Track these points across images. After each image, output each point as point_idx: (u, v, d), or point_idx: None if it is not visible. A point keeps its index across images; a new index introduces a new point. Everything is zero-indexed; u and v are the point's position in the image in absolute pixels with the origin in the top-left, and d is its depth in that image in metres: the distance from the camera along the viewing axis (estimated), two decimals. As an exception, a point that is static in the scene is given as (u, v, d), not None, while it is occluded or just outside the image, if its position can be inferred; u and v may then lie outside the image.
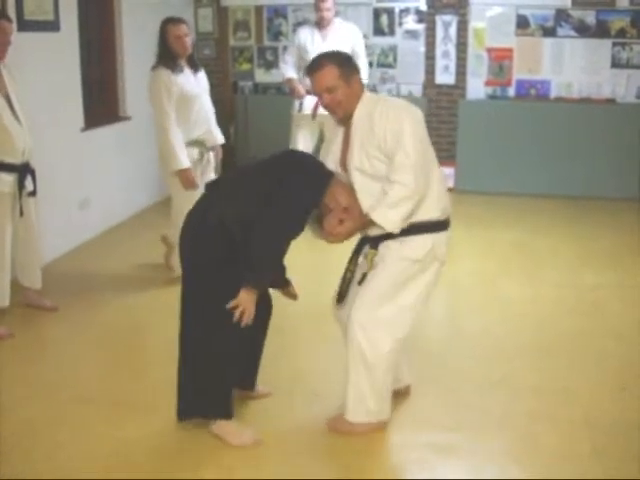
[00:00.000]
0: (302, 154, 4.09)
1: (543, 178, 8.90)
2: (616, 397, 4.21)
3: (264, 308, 3.89)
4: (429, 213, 3.62)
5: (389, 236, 3.61)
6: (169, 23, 5.64)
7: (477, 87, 9.09)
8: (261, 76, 9.53)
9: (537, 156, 8.88)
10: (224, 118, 8.84)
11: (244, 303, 3.50)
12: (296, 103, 7.59)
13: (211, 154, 5.98)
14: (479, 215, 8.12)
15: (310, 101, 7.39)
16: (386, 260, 3.65)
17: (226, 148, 9.26)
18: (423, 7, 9.02)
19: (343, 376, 3.79)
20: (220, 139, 6.06)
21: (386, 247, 3.66)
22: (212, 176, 5.89)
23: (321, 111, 7.37)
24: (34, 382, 4.39)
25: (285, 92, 8.53)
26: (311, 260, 6.23)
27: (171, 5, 8.73)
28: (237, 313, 3.49)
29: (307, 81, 7.37)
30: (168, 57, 5.59)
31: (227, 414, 3.75)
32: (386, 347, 3.66)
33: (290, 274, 3.97)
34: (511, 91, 9.06)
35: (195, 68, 5.80)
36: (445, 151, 9.22)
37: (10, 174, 4.98)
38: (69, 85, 6.78)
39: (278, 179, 3.57)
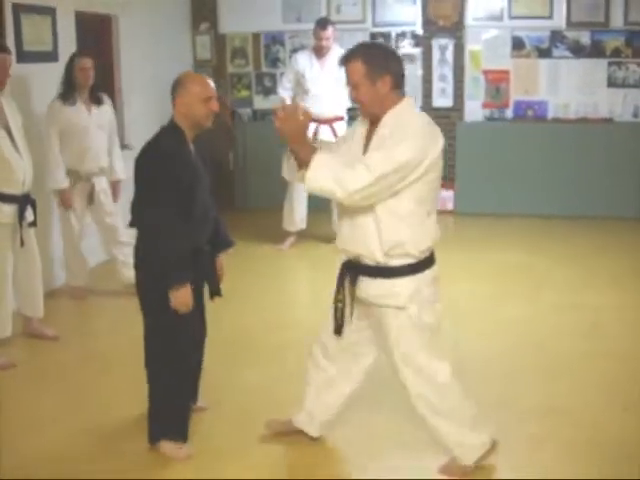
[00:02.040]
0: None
1: (542, 199, 8.93)
2: (618, 418, 4.20)
3: (203, 330, 4.14)
4: (417, 247, 3.38)
5: (367, 271, 3.45)
6: (76, 56, 6.04)
7: (475, 109, 9.12)
8: (259, 102, 9.57)
9: (536, 177, 8.90)
10: (222, 145, 8.89)
11: (177, 302, 3.68)
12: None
13: (103, 186, 6.28)
14: (479, 237, 8.14)
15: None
16: (384, 325, 3.49)
17: (225, 174, 9.39)
18: (419, 31, 9.08)
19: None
20: (118, 174, 6.41)
21: (369, 291, 3.47)
22: (107, 209, 6.26)
23: (319, 137, 7.43)
24: (36, 412, 4.39)
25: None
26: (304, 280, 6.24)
27: (169, 34, 8.82)
28: (180, 310, 3.70)
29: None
30: (68, 87, 5.97)
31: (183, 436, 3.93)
32: (439, 381, 3.56)
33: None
34: (509, 113, 9.09)
35: (97, 102, 6.15)
36: (444, 173, 9.23)
37: (10, 205, 5.00)
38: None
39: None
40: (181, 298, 3.68)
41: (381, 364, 3.76)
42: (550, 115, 9.02)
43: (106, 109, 6.28)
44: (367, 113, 3.48)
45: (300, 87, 7.53)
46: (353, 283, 3.52)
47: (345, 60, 3.45)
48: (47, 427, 4.21)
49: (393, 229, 3.34)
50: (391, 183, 3.26)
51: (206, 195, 3.92)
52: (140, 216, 3.81)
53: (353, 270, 3.52)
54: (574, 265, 7.05)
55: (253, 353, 5.14)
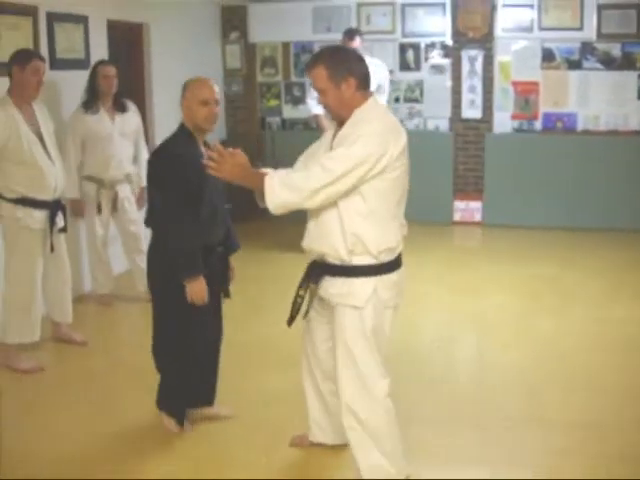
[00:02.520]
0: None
1: (571, 211, 8.88)
2: (646, 432, 4.17)
3: (217, 332, 4.17)
4: (377, 247, 3.34)
5: (331, 270, 3.43)
6: (100, 64, 6.09)
7: (504, 121, 9.10)
8: (289, 112, 9.62)
9: (565, 189, 8.86)
10: (252, 154, 8.94)
11: (192, 294, 3.78)
12: (323, 139, 7.63)
13: (126, 193, 6.33)
14: (507, 249, 8.10)
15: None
16: (337, 323, 3.45)
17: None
18: (449, 42, 9.09)
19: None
20: (143, 181, 6.30)
21: (328, 289, 3.46)
22: (131, 217, 6.33)
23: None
24: (64, 417, 4.42)
25: (313, 127, 8.60)
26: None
27: (199, 43, 8.89)
28: (196, 303, 3.79)
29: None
30: (91, 95, 6.04)
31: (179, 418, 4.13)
32: (374, 396, 3.46)
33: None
34: (538, 124, 9.07)
35: (121, 109, 6.21)
36: (472, 185, 9.24)
37: (41, 211, 5.05)
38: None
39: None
40: (196, 290, 3.76)
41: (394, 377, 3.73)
42: (580, 127, 8.98)
43: (131, 116, 6.32)
44: (336, 116, 3.47)
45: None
46: (317, 283, 3.50)
47: (308, 67, 3.44)
48: (74, 431, 4.23)
49: (355, 226, 3.32)
50: (352, 179, 3.24)
51: (216, 197, 3.95)
52: (152, 216, 3.88)
53: (318, 270, 3.50)
54: (602, 278, 7.00)
55: (276, 361, 5.14)
